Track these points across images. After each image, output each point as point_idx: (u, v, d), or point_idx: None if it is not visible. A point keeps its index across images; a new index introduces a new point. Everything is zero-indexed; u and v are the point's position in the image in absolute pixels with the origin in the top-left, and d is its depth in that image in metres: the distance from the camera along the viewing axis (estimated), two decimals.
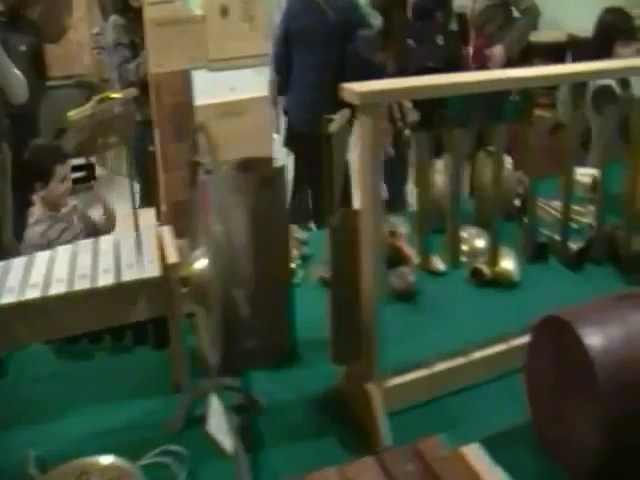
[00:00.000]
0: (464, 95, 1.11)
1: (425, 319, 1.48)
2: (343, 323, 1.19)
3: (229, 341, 0.84)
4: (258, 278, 1.27)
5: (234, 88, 2.01)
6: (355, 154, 1.09)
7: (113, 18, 2.92)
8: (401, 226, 1.63)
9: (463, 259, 1.68)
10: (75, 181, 2.89)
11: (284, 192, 1.24)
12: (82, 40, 4.21)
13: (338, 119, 2.85)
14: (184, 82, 2.00)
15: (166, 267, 1.16)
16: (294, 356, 1.36)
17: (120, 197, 3.20)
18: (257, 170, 1.23)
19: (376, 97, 0.99)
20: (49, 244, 2.22)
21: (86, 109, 2.24)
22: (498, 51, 3.22)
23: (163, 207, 2.03)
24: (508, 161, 1.81)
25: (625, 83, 2.66)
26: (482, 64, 3.37)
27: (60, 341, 1.30)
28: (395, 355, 1.30)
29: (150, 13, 1.97)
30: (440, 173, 1.84)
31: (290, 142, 3.26)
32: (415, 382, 1.19)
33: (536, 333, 1.09)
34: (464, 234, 1.74)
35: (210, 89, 2.02)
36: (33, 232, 2.37)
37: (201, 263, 0.98)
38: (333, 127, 2.78)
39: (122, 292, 1.18)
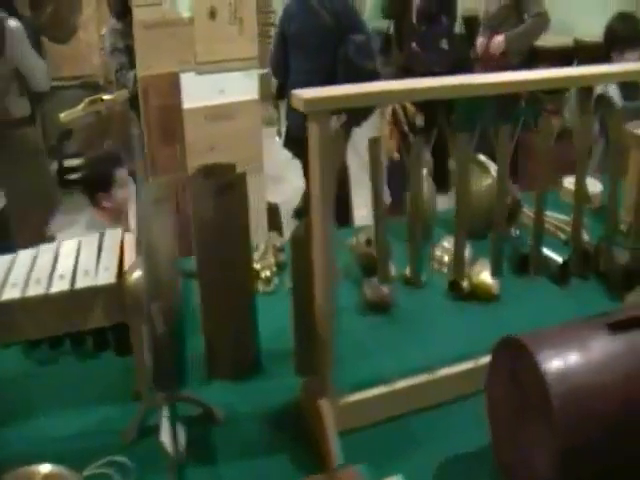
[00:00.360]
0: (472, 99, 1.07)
1: (398, 332, 1.43)
2: (304, 334, 1.16)
3: (158, 354, 0.82)
4: (218, 287, 1.24)
5: (223, 91, 1.99)
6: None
7: (111, 22, 2.92)
8: None
9: (444, 270, 1.64)
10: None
11: (245, 199, 1.21)
12: (91, 40, 4.23)
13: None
14: (172, 84, 1.99)
15: (120, 274, 1.14)
16: (258, 367, 1.32)
17: None
18: (216, 177, 1.20)
19: (322, 104, 0.95)
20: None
21: (77, 111, 2.24)
22: (498, 39, 3.31)
23: None
24: (493, 169, 1.75)
25: (634, 91, 2.58)
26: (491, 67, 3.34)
27: (19, 345, 1.29)
28: (365, 369, 1.26)
29: (138, 15, 1.96)
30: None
31: (290, 145, 3.23)
32: (374, 399, 1.15)
33: (495, 354, 1.05)
34: (446, 244, 1.69)
35: (200, 92, 2.01)
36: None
37: (136, 273, 0.96)
38: None
39: (76, 299, 1.15)
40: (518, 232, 1.78)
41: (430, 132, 1.20)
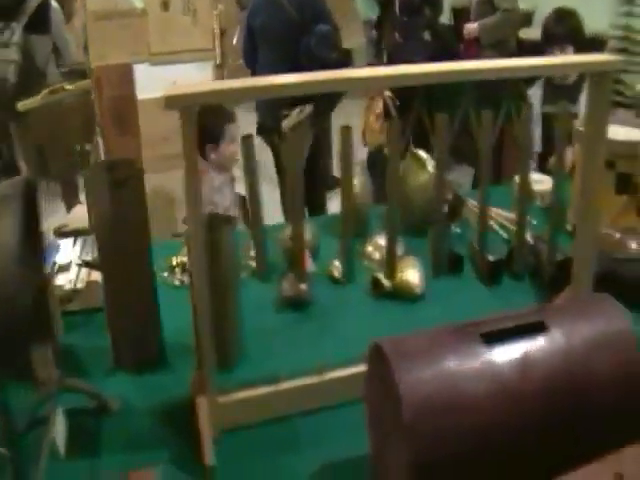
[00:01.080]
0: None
1: (311, 330, 1.42)
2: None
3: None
4: (118, 280, 1.25)
5: (176, 82, 1.98)
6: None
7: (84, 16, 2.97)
8: (305, 231, 1.56)
9: (374, 267, 1.62)
10: None
11: (142, 194, 1.21)
12: None
13: (293, 116, 2.81)
14: (125, 75, 2.00)
15: None
16: (163, 359, 1.33)
17: None
18: (114, 171, 1.20)
19: (182, 101, 0.95)
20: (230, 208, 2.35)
21: (36, 100, 2.26)
22: (472, 25, 3.43)
23: None
24: (431, 164, 1.72)
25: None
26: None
27: None
28: (268, 367, 1.25)
29: (90, 6, 1.97)
30: (356, 174, 1.78)
31: (262, 133, 3.23)
32: (259, 399, 1.14)
33: (369, 360, 1.02)
34: (381, 241, 1.67)
35: (153, 83, 2.01)
36: (224, 196, 2.41)
37: None
38: (286, 124, 2.74)
39: None
40: (459, 229, 1.75)
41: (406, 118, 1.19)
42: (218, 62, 3.39)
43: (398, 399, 0.90)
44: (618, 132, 1.67)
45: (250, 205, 1.09)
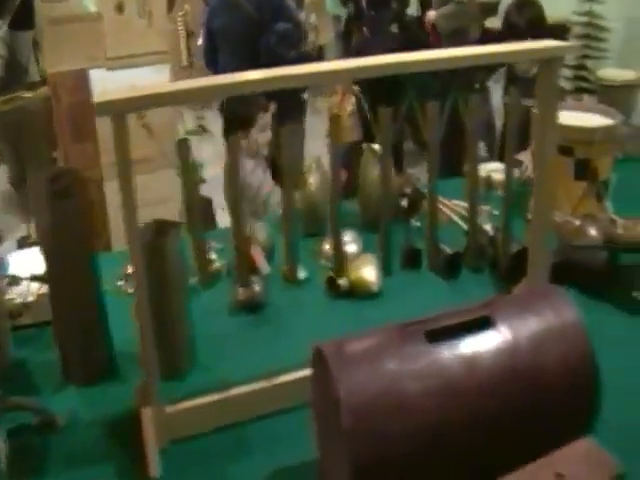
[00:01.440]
0: None
1: (266, 333, 1.39)
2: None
3: None
4: (63, 291, 1.22)
5: (134, 86, 1.95)
6: None
7: None
8: (259, 231, 1.54)
9: (329, 265, 1.59)
10: None
11: (84, 204, 1.19)
12: None
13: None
14: (81, 81, 1.97)
15: None
16: (112, 372, 1.29)
17: None
18: (53, 182, 1.17)
19: (113, 107, 0.93)
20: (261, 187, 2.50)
21: None
22: (432, 12, 3.47)
23: None
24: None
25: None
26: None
27: None
28: (221, 373, 1.23)
29: (44, 11, 1.93)
30: (313, 172, 1.76)
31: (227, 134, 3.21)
32: (208, 407, 1.12)
33: (312, 365, 1.00)
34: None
35: (111, 87, 1.98)
36: (258, 177, 2.55)
37: None
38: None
39: None
40: (419, 223, 1.72)
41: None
42: (185, 63, 3.37)
43: (338, 403, 0.87)
44: (575, 118, 1.66)
45: (187, 208, 1.07)
